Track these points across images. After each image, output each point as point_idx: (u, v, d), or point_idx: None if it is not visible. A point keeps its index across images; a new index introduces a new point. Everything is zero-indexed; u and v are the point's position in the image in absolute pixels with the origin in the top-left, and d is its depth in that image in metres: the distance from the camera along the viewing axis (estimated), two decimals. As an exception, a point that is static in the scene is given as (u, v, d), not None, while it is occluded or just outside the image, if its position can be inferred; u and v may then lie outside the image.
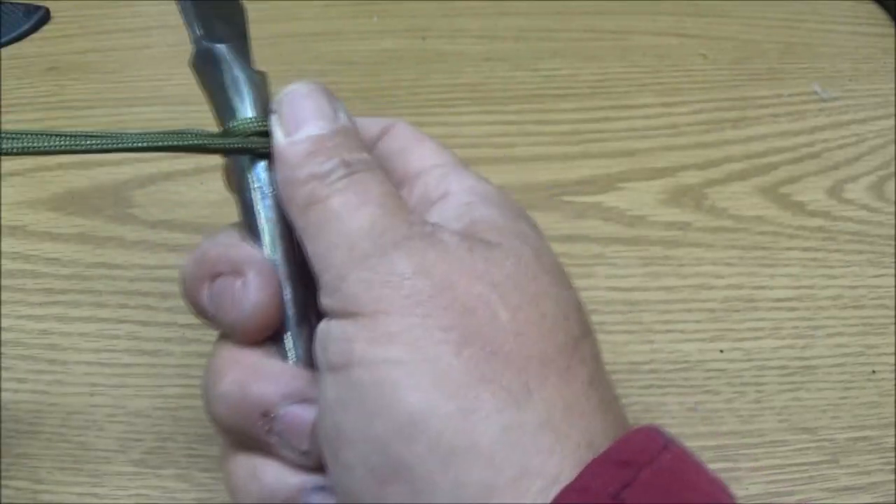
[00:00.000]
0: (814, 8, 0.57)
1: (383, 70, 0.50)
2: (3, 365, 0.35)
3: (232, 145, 0.23)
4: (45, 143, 0.21)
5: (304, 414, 0.21)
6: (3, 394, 0.35)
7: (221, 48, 0.24)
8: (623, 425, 0.20)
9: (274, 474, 0.22)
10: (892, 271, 0.40)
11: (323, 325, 0.21)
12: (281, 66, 0.50)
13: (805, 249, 0.41)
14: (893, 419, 0.35)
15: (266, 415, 0.21)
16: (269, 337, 0.23)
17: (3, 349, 0.36)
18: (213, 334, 0.38)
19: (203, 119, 0.52)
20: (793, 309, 0.39)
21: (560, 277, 0.22)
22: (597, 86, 0.50)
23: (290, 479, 0.22)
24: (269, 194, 0.23)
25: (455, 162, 0.25)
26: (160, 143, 0.23)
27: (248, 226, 0.23)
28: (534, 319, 0.20)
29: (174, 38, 0.52)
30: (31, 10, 0.52)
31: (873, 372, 0.36)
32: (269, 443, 0.22)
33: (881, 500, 0.32)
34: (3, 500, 0.31)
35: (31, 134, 0.21)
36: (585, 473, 0.18)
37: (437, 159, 0.24)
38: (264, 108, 0.23)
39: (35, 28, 0.52)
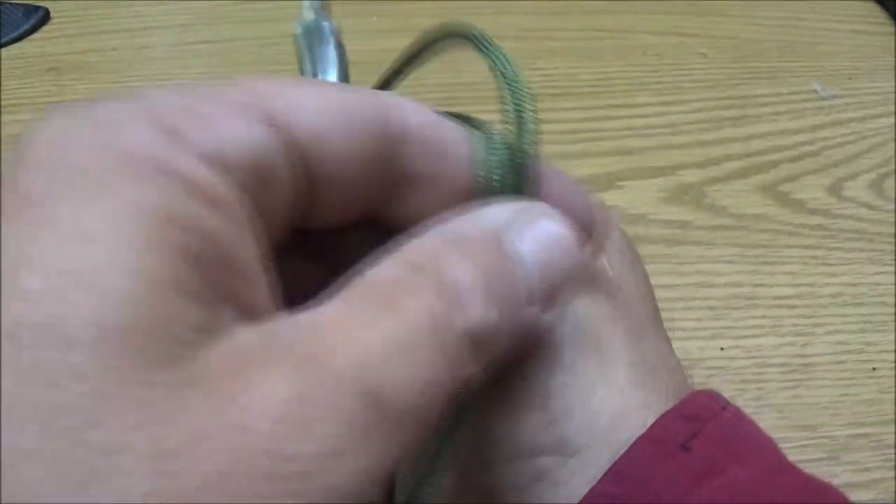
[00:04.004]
0: (813, 7, 0.57)
1: (383, 70, 0.50)
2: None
3: None
4: None
5: None
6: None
7: (328, 26, 0.28)
8: (688, 385, 0.22)
9: None
10: (892, 269, 0.40)
11: None
12: (281, 66, 0.50)
13: (805, 247, 0.41)
14: (893, 416, 0.35)
15: None
16: None
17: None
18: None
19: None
20: (793, 307, 0.39)
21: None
22: (596, 85, 0.50)
23: None
24: None
25: None
26: None
27: None
28: (635, 283, 0.22)
29: (174, 38, 0.52)
30: (31, 10, 0.52)
31: (873, 369, 0.36)
32: None
33: (881, 496, 0.32)
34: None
35: None
36: (657, 425, 0.19)
37: None
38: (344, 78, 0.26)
39: (35, 28, 0.52)
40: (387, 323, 0.13)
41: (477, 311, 0.14)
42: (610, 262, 0.22)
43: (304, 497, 0.11)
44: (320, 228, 0.17)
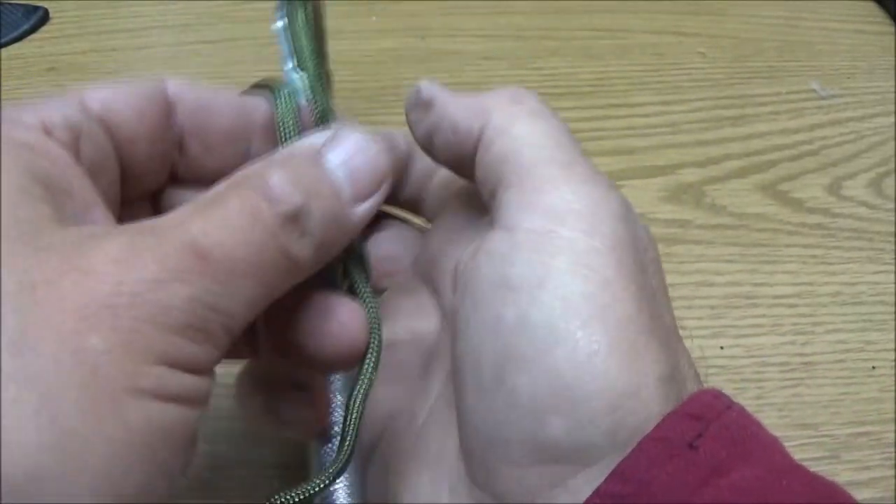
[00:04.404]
0: (812, 6, 0.57)
1: (383, 69, 0.50)
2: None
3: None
4: None
5: None
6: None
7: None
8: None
9: None
10: (892, 268, 0.41)
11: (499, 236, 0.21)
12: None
13: (804, 246, 0.41)
14: (893, 415, 0.35)
15: None
16: None
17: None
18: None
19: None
20: (793, 305, 0.39)
21: None
22: (596, 84, 0.50)
23: None
24: None
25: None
26: None
27: None
28: (664, 295, 0.22)
29: (173, 38, 0.52)
30: (31, 10, 0.52)
31: (873, 368, 0.37)
32: None
33: (882, 494, 0.32)
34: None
35: None
36: (663, 425, 0.19)
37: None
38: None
39: (34, 28, 0.52)
40: (211, 211, 0.18)
41: (288, 200, 0.19)
42: (647, 275, 0.21)
43: (143, 309, 0.16)
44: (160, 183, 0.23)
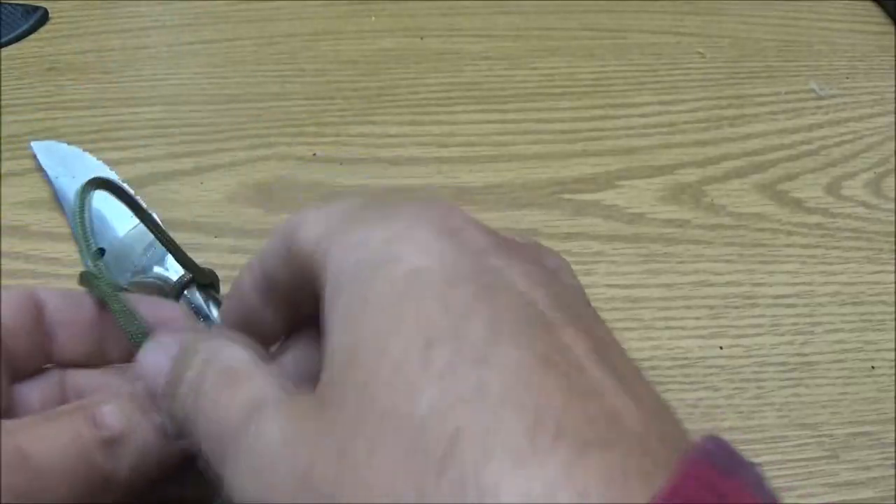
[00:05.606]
0: (811, 6, 0.57)
1: (382, 69, 0.50)
2: (4, 365, 0.36)
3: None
4: None
5: None
6: (5, 394, 0.35)
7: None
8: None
9: None
10: (891, 267, 0.41)
11: None
12: (280, 65, 0.50)
13: (803, 246, 0.41)
14: (893, 415, 0.35)
15: None
16: None
17: (4, 349, 0.36)
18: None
19: (200, 118, 0.52)
20: (792, 305, 0.39)
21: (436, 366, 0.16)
22: (595, 84, 0.50)
23: None
24: None
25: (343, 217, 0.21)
26: None
27: None
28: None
29: (172, 38, 0.52)
30: (30, 10, 0.52)
31: (872, 368, 0.37)
32: None
33: (881, 494, 0.32)
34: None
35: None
36: None
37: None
38: None
39: (34, 28, 0.52)
40: (44, 424, 0.22)
41: (109, 427, 0.23)
42: (348, 489, 0.16)
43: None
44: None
